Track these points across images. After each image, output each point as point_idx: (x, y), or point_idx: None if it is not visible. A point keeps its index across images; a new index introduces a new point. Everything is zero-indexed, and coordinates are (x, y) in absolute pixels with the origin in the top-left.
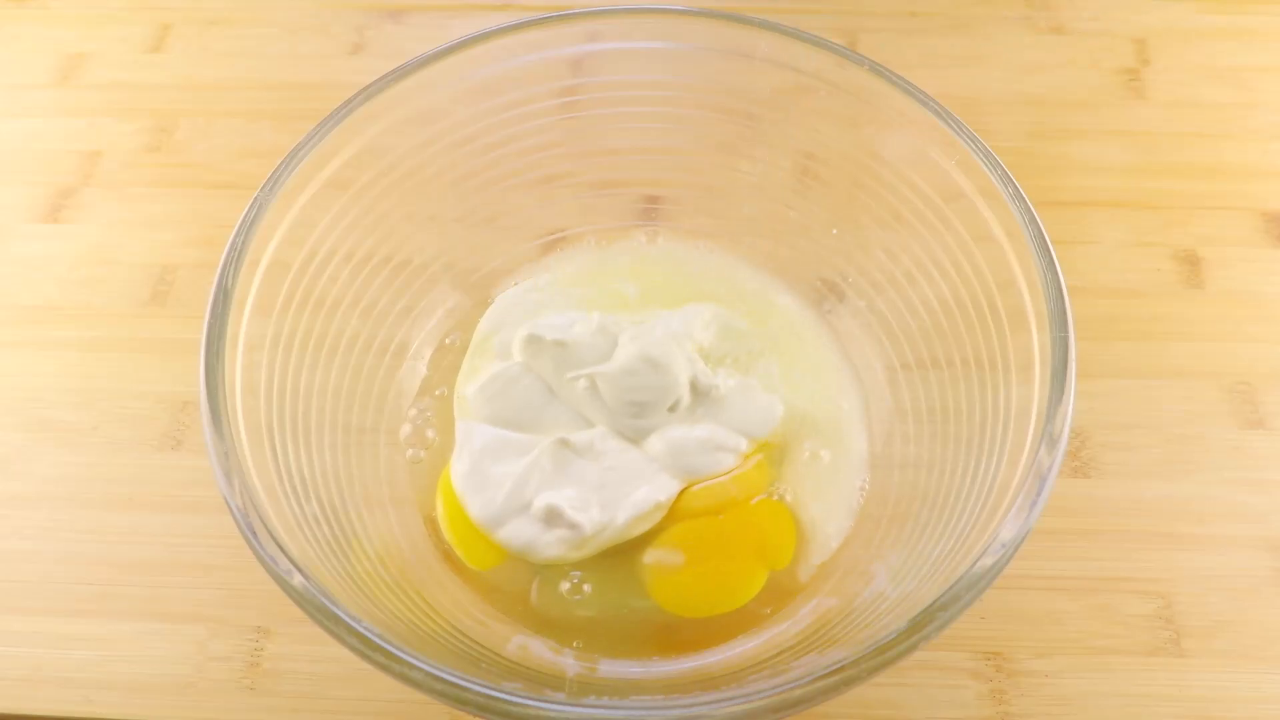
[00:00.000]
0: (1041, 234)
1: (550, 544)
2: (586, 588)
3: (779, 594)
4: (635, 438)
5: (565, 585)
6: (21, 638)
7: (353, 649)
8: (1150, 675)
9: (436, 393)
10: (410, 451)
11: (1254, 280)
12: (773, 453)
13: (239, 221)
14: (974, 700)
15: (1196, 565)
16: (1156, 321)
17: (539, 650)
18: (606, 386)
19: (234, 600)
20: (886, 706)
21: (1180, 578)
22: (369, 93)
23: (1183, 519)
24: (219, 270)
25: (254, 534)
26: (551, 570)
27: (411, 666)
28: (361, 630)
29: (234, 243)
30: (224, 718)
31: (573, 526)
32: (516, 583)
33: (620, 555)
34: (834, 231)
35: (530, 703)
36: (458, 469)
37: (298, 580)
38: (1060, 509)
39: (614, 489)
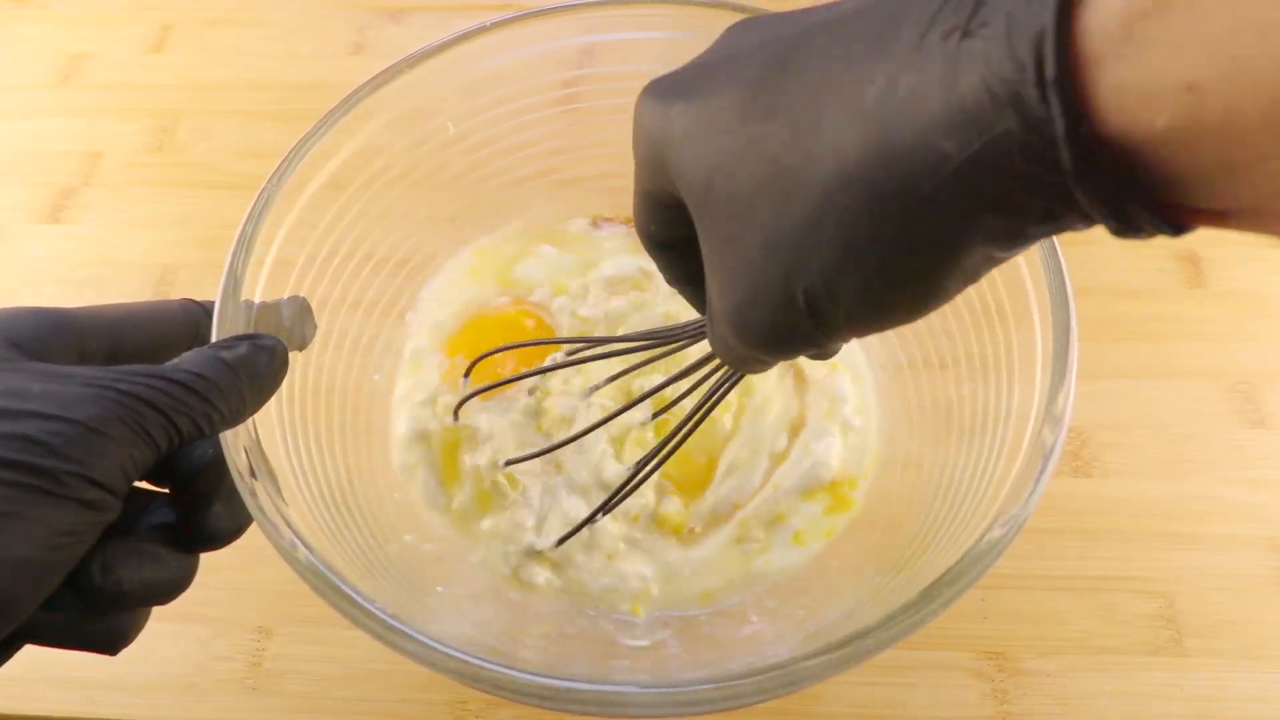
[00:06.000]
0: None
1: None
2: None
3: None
4: None
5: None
6: None
7: (371, 632)
8: (1152, 674)
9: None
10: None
11: (1255, 280)
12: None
13: (247, 211)
14: (976, 700)
15: (1198, 565)
16: (1158, 321)
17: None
18: None
19: (236, 601)
20: (890, 706)
21: (1182, 577)
22: (375, 83)
23: (1184, 518)
24: (229, 257)
25: (271, 523)
26: None
27: (424, 645)
28: (378, 612)
29: (244, 231)
30: (226, 717)
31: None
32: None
33: None
34: None
35: (545, 680)
36: None
37: (302, 553)
38: (1061, 509)
39: None
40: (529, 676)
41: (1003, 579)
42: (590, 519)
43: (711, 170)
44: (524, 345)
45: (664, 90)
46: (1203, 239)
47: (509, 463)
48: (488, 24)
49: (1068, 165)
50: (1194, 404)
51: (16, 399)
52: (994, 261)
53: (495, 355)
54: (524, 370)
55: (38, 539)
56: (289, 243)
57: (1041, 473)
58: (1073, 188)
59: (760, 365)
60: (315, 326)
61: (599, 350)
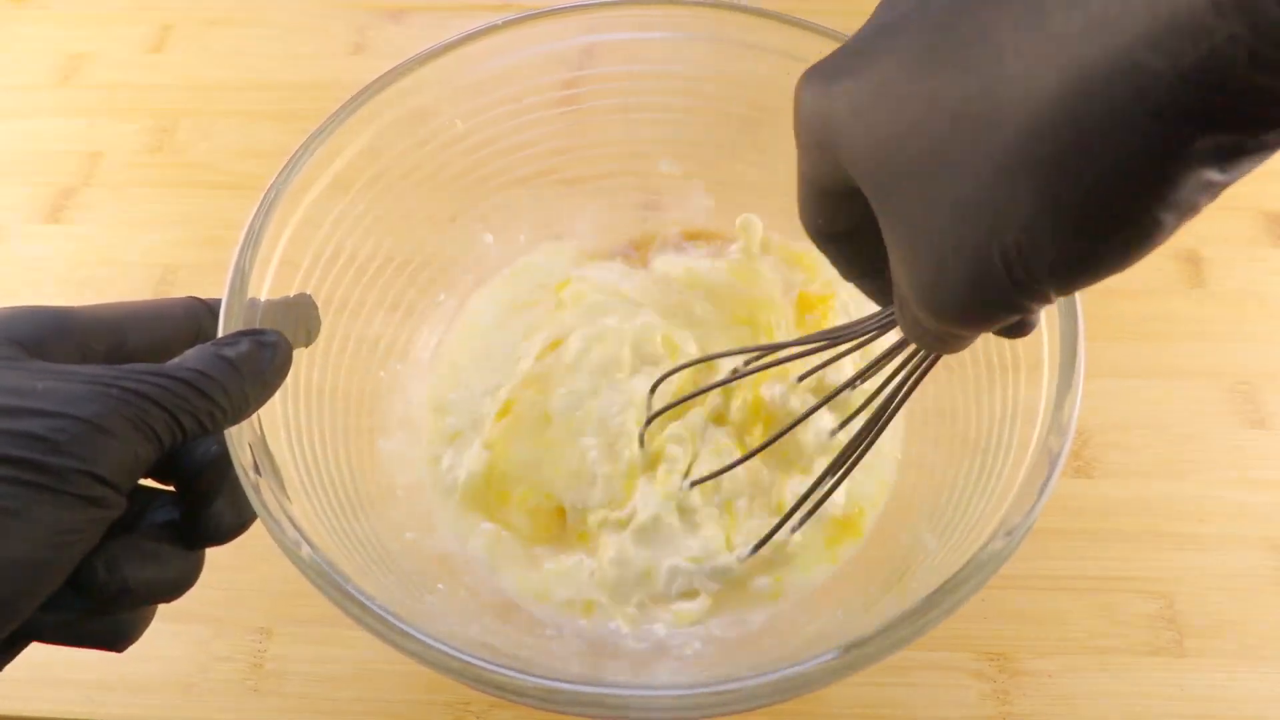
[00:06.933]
0: None
1: None
2: None
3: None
4: None
5: None
6: None
7: (374, 632)
8: (1152, 675)
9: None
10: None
11: (1255, 280)
12: None
13: (255, 207)
14: (977, 700)
15: (1198, 565)
16: (1158, 321)
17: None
18: None
19: (236, 600)
20: (890, 706)
21: (1182, 577)
22: (380, 84)
23: (1184, 519)
24: (236, 254)
25: (275, 520)
26: None
27: (425, 645)
28: (380, 612)
29: (251, 227)
30: (226, 717)
31: None
32: None
33: None
34: None
35: (545, 681)
36: None
37: (307, 551)
38: (1062, 509)
39: None
40: (529, 678)
41: (1003, 579)
42: (784, 520)
43: (887, 142)
44: (702, 360)
45: (824, 72)
46: (1203, 239)
47: (695, 483)
48: (497, 23)
49: None
50: (1194, 404)
51: (19, 396)
52: (1215, 188)
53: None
54: (703, 385)
55: (41, 536)
56: (294, 241)
57: (1047, 481)
58: None
59: (958, 342)
60: (320, 323)
61: (778, 356)
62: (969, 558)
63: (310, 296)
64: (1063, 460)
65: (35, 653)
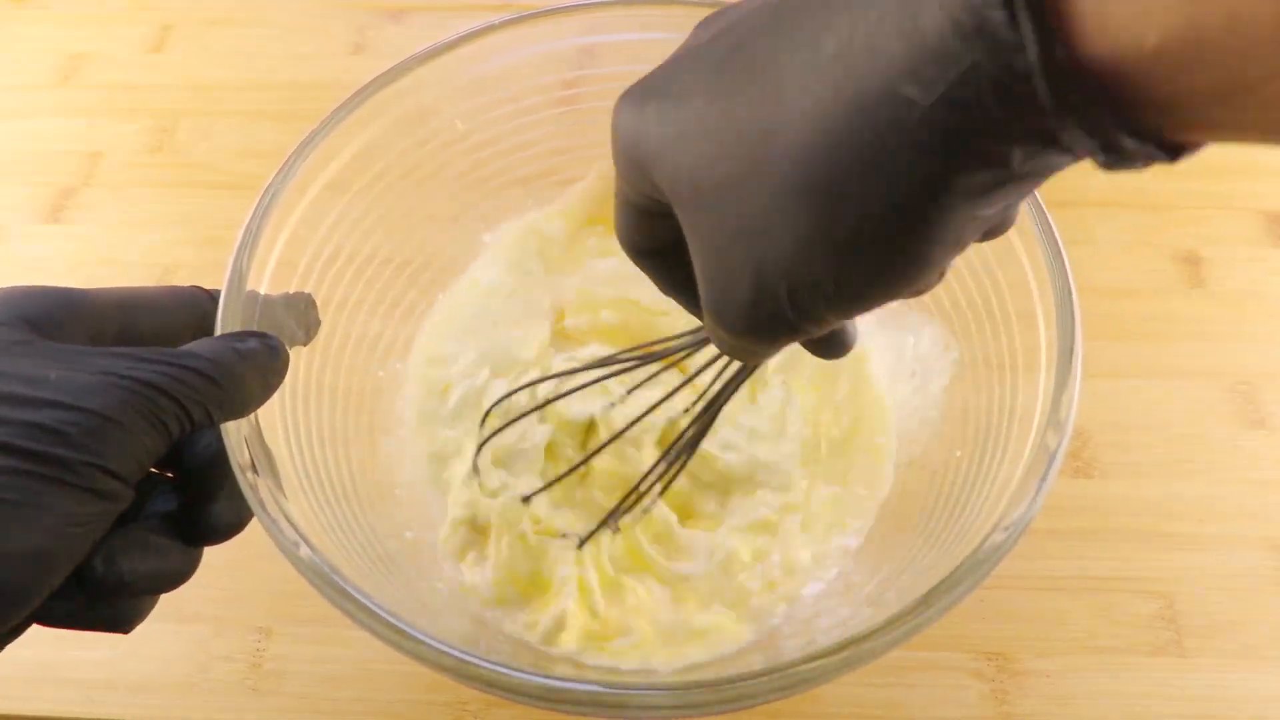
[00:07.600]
0: (1052, 232)
1: None
2: None
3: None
4: None
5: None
6: (24, 637)
7: (368, 628)
8: (1152, 674)
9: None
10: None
11: (1255, 280)
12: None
13: (253, 206)
14: (976, 700)
15: (1198, 565)
16: (1157, 321)
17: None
18: None
19: (236, 600)
20: (889, 706)
21: (1182, 577)
22: (380, 83)
23: (1184, 519)
24: (235, 251)
25: (272, 519)
26: None
27: (421, 643)
28: (374, 608)
29: (249, 225)
30: (226, 717)
31: None
32: None
33: None
34: None
35: (542, 680)
36: None
37: (305, 551)
38: (1061, 509)
39: None
40: (526, 676)
41: (1003, 579)
42: (612, 514)
43: (686, 162)
44: (535, 381)
45: (637, 94)
46: (1203, 239)
47: (527, 498)
48: (497, 23)
49: (1045, 101)
50: (1194, 404)
51: (32, 385)
52: (980, 222)
53: None
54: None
55: (50, 528)
56: (292, 241)
57: (1044, 478)
58: (1053, 126)
59: (757, 356)
60: (319, 321)
61: (605, 371)
62: (967, 554)
63: (309, 295)
64: (1060, 457)
65: (35, 652)
